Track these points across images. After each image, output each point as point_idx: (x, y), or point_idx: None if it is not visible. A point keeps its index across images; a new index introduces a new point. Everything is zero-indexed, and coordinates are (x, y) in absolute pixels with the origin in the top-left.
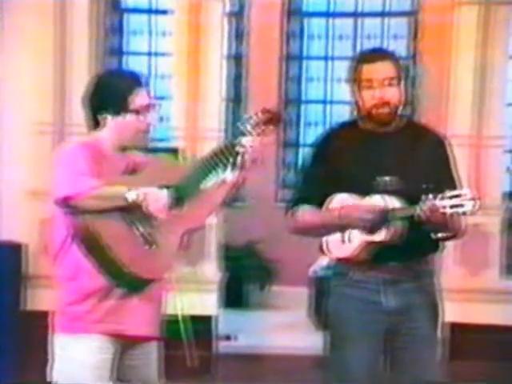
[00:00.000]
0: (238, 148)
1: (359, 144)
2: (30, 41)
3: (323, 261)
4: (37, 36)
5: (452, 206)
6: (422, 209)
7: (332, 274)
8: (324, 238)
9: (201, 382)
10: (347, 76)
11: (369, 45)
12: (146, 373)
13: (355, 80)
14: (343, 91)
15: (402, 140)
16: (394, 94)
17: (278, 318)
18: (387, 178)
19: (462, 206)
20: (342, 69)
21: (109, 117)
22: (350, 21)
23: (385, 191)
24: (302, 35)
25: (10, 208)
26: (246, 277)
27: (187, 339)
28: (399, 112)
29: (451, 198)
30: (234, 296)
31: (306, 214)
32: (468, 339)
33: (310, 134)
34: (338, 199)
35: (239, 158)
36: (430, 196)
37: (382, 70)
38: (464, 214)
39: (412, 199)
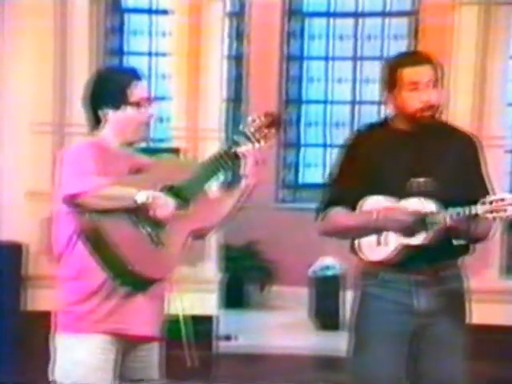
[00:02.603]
0: (238, 153)
1: (392, 144)
2: (30, 41)
3: (323, 261)
4: (37, 36)
5: (493, 211)
6: (452, 218)
7: (360, 274)
8: (357, 242)
9: (201, 382)
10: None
11: (369, 45)
12: (148, 373)
13: (395, 83)
14: (343, 91)
15: (435, 140)
16: (436, 96)
17: (278, 318)
18: (421, 180)
19: (504, 210)
20: (342, 69)
21: (110, 111)
22: (350, 21)
23: (419, 193)
24: (303, 35)
25: (10, 208)
26: (246, 277)
27: (187, 339)
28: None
29: (492, 202)
30: (234, 296)
31: (339, 216)
32: (468, 339)
33: (311, 135)
34: (372, 201)
35: (242, 165)
36: (459, 209)
37: (426, 72)
38: (507, 218)
39: (445, 201)
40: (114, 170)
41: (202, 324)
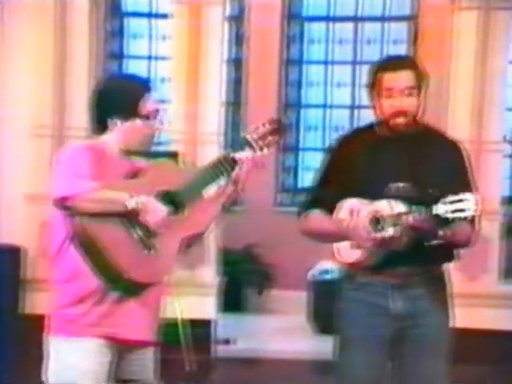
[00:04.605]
0: (237, 160)
1: (374, 149)
2: (30, 44)
3: (322, 265)
4: (37, 39)
5: (454, 211)
6: (409, 217)
7: (341, 278)
8: (335, 244)
9: None
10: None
11: (369, 49)
12: (143, 377)
13: (375, 87)
14: (343, 96)
15: (418, 146)
16: (412, 103)
17: (277, 322)
18: (400, 184)
19: (463, 210)
20: (341, 73)
21: (118, 121)
22: (350, 25)
23: (397, 197)
24: (302, 39)
25: (9, 211)
26: (244, 281)
27: (186, 343)
28: (416, 119)
29: (453, 202)
30: (233, 300)
31: (316, 218)
32: (466, 344)
33: (310, 139)
34: (348, 204)
35: (235, 172)
36: (420, 209)
37: (402, 79)
38: (465, 218)
39: (424, 205)
40: (111, 174)
41: (200, 328)
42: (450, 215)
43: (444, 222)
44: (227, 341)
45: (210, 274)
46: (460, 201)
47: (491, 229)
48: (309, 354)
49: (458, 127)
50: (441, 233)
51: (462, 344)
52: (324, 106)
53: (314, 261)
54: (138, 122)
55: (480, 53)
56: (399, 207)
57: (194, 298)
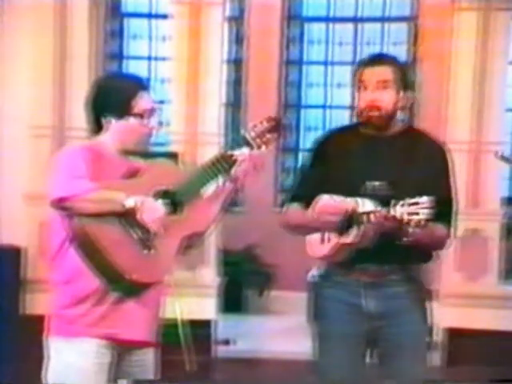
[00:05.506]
0: (235, 157)
1: (353, 147)
2: (30, 45)
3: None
4: (37, 40)
5: (409, 214)
6: (369, 217)
7: (318, 276)
8: (307, 239)
9: None
10: (352, 81)
11: (369, 50)
12: (143, 378)
13: (354, 84)
14: (343, 96)
15: (398, 145)
16: (385, 97)
17: (277, 323)
18: (376, 183)
19: (417, 213)
20: (341, 74)
21: (112, 120)
22: (349, 26)
23: (373, 195)
24: (302, 40)
25: (9, 212)
26: (244, 282)
27: (186, 344)
28: (394, 117)
29: (410, 205)
30: (233, 301)
31: (293, 212)
32: (466, 344)
33: (310, 139)
34: (321, 201)
35: (233, 169)
36: (379, 209)
37: (377, 72)
38: (419, 222)
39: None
40: (109, 175)
41: (200, 328)
42: (405, 217)
43: (406, 223)
44: (227, 341)
45: (210, 274)
46: (416, 204)
47: (491, 229)
48: (309, 355)
49: (458, 127)
50: (410, 231)
51: (462, 344)
52: (324, 107)
53: (314, 261)
54: (132, 120)
55: (480, 53)
56: (366, 206)
57: (194, 299)
